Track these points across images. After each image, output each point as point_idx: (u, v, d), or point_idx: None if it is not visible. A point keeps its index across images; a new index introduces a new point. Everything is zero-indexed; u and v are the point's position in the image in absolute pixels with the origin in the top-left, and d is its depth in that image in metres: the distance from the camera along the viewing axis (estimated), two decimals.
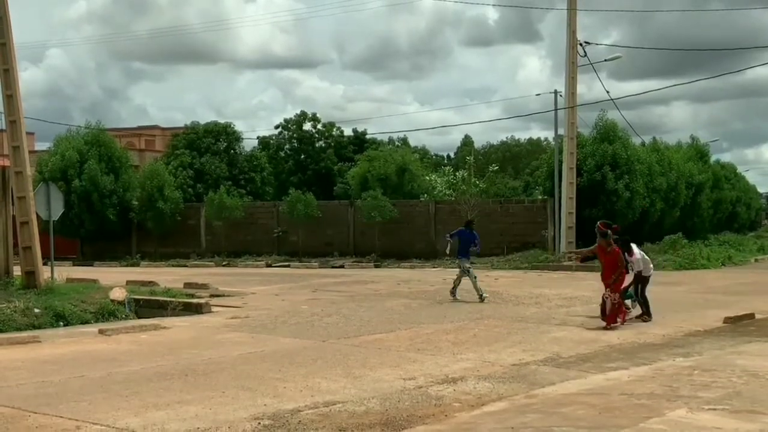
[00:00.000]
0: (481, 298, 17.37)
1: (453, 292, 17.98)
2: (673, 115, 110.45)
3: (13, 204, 17.79)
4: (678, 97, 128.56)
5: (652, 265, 15.03)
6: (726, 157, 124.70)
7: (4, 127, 17.95)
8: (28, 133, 19.27)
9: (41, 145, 47.59)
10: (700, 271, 27.14)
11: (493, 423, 7.47)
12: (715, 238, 37.99)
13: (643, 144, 36.03)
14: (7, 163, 18.49)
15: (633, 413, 7.68)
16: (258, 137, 49.87)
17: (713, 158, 44.19)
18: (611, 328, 13.26)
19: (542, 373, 9.84)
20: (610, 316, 13.50)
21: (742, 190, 49.60)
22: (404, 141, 58.54)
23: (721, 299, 17.91)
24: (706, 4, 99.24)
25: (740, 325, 13.89)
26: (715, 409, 7.77)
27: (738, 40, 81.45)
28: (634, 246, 14.83)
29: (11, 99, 17.63)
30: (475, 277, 17.76)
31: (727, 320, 14.14)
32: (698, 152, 40.37)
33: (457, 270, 18.34)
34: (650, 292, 14.79)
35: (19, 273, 17.81)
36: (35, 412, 7.95)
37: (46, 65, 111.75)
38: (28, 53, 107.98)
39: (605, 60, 32.20)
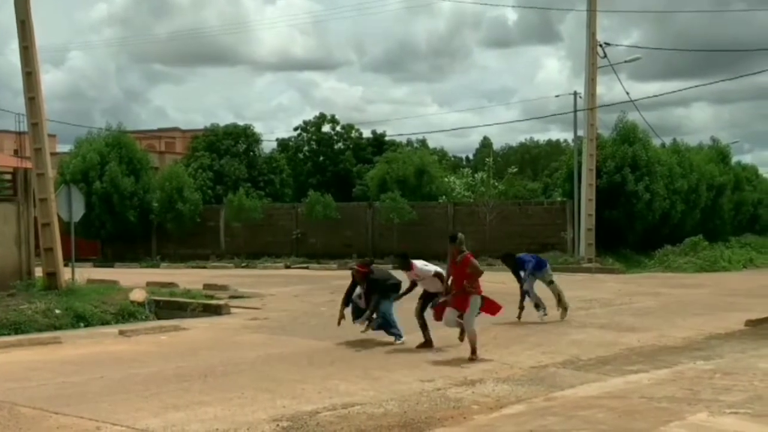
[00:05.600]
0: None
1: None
2: (693, 116, 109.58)
3: (34, 206, 17.95)
4: (699, 99, 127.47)
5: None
6: (747, 159, 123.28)
7: (26, 130, 18.10)
8: (49, 136, 19.44)
9: (63, 147, 48.12)
10: (722, 273, 26.95)
11: (512, 426, 7.45)
12: (737, 241, 37.69)
13: (663, 145, 35.83)
14: (29, 165, 18.66)
15: (653, 417, 7.63)
16: (277, 139, 50.02)
17: (734, 160, 43.89)
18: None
19: (561, 375, 9.80)
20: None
21: (763, 192, 49.07)
22: (423, 143, 58.52)
23: (743, 302, 17.74)
24: (727, 4, 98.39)
25: (762, 328, 13.75)
26: (736, 413, 7.71)
27: (760, 40, 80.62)
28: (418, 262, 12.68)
29: (33, 101, 17.80)
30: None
31: (749, 323, 14.02)
32: (719, 154, 40.07)
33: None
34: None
35: (41, 274, 17.97)
36: (56, 413, 8.01)
37: (68, 68, 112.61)
38: (49, 56, 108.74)
39: (625, 61, 32.13)
